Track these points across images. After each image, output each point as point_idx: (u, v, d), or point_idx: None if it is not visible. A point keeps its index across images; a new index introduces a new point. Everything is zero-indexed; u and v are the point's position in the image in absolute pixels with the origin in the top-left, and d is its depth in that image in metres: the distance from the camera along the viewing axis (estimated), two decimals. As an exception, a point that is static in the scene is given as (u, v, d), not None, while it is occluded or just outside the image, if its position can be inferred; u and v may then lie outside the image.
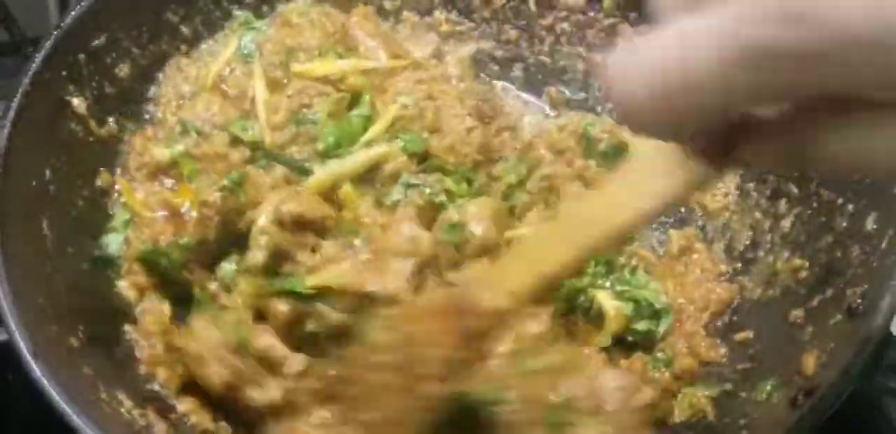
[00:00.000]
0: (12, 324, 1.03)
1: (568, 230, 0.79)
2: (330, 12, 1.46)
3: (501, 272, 0.85)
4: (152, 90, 1.38)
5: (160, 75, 1.39)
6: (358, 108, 1.35)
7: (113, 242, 1.24)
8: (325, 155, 1.30)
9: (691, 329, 1.26)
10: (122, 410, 1.09)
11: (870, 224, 1.11)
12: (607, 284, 1.26)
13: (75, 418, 0.98)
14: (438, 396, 0.87)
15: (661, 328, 1.25)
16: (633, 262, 1.30)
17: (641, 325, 1.25)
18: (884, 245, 1.06)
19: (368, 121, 1.33)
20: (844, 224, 1.17)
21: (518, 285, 0.80)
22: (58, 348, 1.07)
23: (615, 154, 1.39)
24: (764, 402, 1.12)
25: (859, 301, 1.05)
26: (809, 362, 1.07)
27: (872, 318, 1.00)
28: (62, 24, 1.22)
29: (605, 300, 1.23)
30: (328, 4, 1.49)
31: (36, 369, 1.00)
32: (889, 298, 1.01)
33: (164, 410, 1.15)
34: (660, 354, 1.25)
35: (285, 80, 1.36)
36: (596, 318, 1.25)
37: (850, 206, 1.16)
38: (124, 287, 1.22)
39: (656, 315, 1.25)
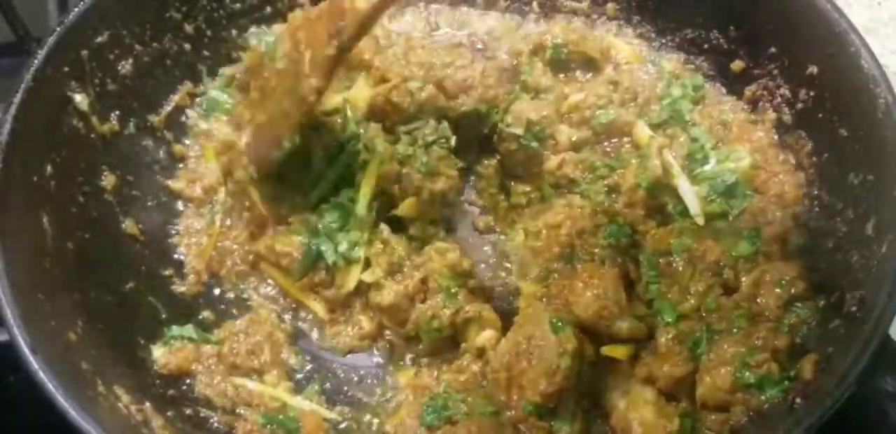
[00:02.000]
0: (11, 319, 1.03)
1: None
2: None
3: None
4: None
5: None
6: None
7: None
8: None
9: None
10: (120, 405, 1.10)
11: (869, 229, 1.11)
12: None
13: (73, 413, 0.99)
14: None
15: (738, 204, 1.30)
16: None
17: (715, 207, 1.29)
18: (883, 250, 1.06)
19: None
20: (844, 229, 1.17)
21: None
22: (56, 343, 1.07)
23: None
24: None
25: (859, 306, 1.06)
26: (808, 366, 1.07)
27: (871, 323, 1.01)
28: (65, 21, 1.22)
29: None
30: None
31: (34, 364, 1.01)
32: (888, 303, 1.01)
33: (162, 406, 1.16)
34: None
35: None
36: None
37: (850, 211, 1.16)
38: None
39: (729, 191, 1.30)
